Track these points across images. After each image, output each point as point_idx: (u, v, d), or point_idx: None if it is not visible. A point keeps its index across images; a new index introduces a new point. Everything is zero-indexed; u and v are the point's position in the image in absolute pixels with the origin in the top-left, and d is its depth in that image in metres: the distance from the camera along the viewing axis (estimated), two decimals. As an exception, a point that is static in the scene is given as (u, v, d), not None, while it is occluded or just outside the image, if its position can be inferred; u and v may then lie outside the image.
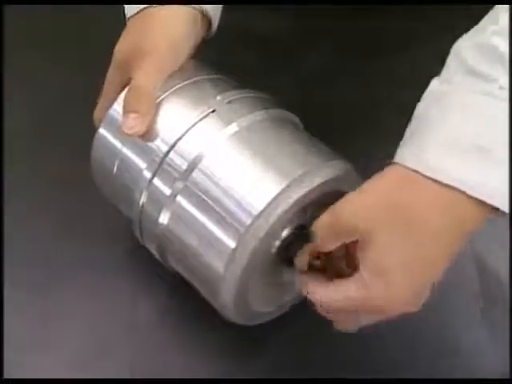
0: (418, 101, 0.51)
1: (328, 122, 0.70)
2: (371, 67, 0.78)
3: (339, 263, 0.53)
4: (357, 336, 0.54)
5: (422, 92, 0.51)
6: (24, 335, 0.62)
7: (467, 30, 0.51)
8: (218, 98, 0.56)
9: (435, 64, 0.51)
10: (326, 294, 0.51)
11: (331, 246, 0.51)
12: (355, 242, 0.49)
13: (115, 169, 0.58)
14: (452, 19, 0.64)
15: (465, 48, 0.49)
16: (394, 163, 0.49)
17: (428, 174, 0.47)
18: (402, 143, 0.50)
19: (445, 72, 0.50)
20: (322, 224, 0.51)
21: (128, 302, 0.64)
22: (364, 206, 0.49)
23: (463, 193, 0.46)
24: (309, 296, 0.52)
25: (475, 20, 0.50)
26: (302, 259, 0.54)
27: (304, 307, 0.54)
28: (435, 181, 0.47)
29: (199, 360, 0.61)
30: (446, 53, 0.51)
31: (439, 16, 0.79)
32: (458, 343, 0.61)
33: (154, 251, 0.59)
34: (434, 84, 0.51)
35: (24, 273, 0.65)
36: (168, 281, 0.63)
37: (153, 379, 0.59)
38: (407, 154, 0.49)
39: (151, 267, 0.62)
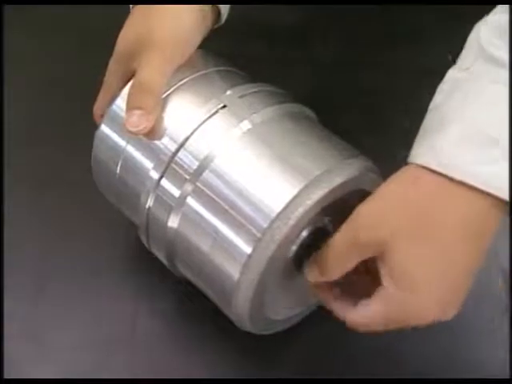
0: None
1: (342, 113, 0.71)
2: (382, 59, 0.78)
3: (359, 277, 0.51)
4: (371, 344, 0.54)
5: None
6: (25, 336, 0.61)
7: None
8: (229, 92, 0.54)
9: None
10: (354, 317, 0.49)
11: (353, 263, 0.49)
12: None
13: (118, 169, 0.56)
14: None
15: (483, 31, 0.48)
16: (408, 163, 0.48)
17: (439, 170, 0.45)
18: (416, 140, 0.48)
19: (462, 57, 0.49)
20: (340, 242, 0.49)
21: (129, 305, 0.62)
22: (381, 215, 0.47)
23: (474, 188, 0.45)
24: (337, 315, 0.51)
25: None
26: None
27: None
28: (449, 178, 0.45)
29: (199, 360, 0.60)
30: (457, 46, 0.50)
31: (452, 9, 0.79)
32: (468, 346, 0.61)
33: (161, 257, 0.56)
34: (453, 72, 0.49)
35: (23, 276, 0.64)
36: (171, 284, 0.61)
37: (153, 379, 0.58)
38: (420, 152, 0.47)
39: (154, 271, 0.61)
